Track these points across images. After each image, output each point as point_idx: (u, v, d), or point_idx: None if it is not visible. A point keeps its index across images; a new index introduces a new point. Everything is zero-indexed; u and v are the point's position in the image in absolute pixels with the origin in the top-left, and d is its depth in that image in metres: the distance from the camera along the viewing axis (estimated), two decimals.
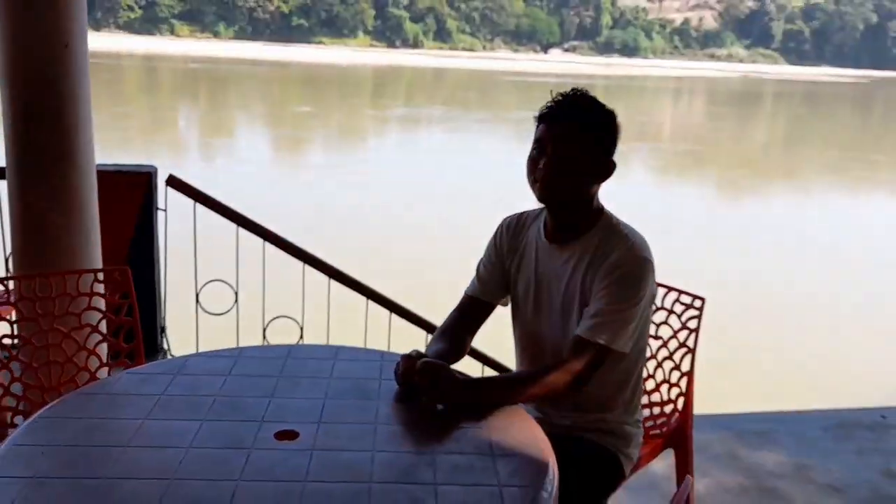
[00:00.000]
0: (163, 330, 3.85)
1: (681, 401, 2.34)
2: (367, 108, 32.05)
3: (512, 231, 2.01)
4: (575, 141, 1.78)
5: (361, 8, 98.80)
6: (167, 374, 1.75)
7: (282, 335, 3.64)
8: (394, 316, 3.76)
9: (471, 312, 2.01)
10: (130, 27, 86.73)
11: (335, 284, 3.63)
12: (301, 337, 3.72)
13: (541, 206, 1.92)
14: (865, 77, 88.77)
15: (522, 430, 1.57)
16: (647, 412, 2.31)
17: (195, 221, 3.54)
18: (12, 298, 2.17)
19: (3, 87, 2.55)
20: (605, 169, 1.84)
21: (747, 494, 2.90)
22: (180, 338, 3.88)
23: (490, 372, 3.70)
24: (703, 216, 13.73)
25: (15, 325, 2.13)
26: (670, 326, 2.36)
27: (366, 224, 11.08)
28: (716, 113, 40.10)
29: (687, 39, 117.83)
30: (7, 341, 2.10)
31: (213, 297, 3.64)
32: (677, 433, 2.30)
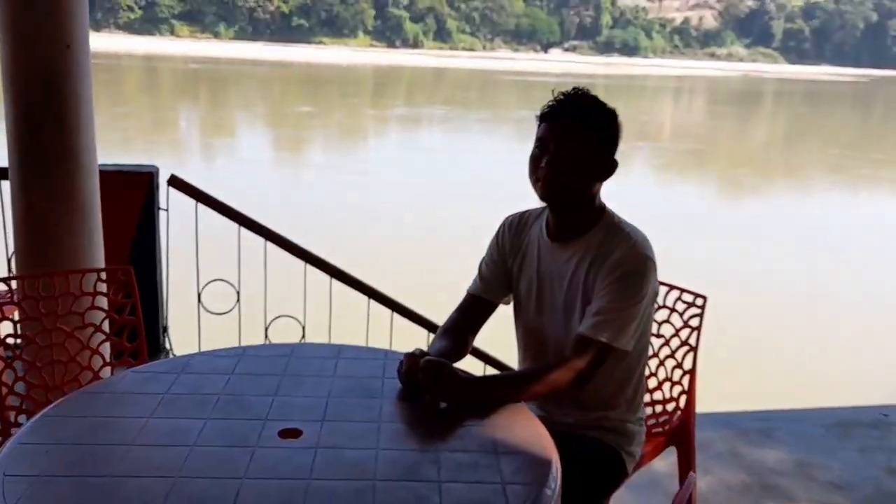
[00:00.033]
0: (165, 329, 3.85)
1: (683, 399, 2.35)
2: (367, 107, 32.05)
3: (514, 230, 2.01)
4: (577, 140, 1.79)
5: (361, 8, 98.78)
6: (171, 373, 1.76)
7: (283, 335, 3.64)
8: (395, 315, 3.77)
9: (473, 311, 2.01)
10: (130, 27, 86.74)
11: (336, 284, 3.64)
12: (303, 336, 3.72)
13: (543, 204, 1.92)
14: (865, 76, 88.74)
15: (526, 428, 1.58)
16: (649, 410, 2.31)
17: (197, 221, 3.54)
18: (16, 298, 2.17)
19: (5, 88, 2.55)
20: (607, 168, 1.84)
21: (749, 492, 2.91)
22: (181, 338, 3.89)
23: (492, 371, 3.70)
24: (704, 215, 13.73)
25: (19, 325, 2.13)
26: (672, 325, 2.37)
27: (367, 223, 11.08)
28: (716, 112, 40.09)
29: (687, 39, 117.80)
30: (11, 340, 2.10)
31: (214, 297, 3.64)
32: (679, 431, 2.31)
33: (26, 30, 2.50)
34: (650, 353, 2.19)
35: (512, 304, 2.04)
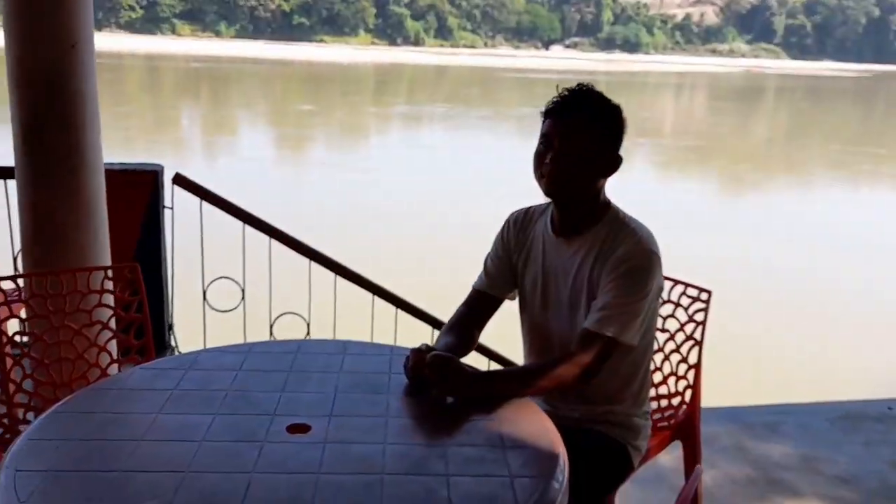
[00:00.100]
0: (170, 327, 3.86)
1: (688, 393, 2.35)
2: (368, 105, 32.05)
3: (519, 225, 2.02)
4: (581, 136, 1.79)
5: (362, 6, 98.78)
6: (179, 370, 1.77)
7: (288, 332, 3.65)
8: (400, 312, 3.77)
9: (478, 306, 2.02)
10: (132, 27, 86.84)
11: (341, 281, 3.64)
12: (308, 333, 3.73)
13: (548, 200, 1.93)
14: (868, 71, 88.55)
15: (533, 423, 1.58)
16: (654, 404, 2.32)
17: (202, 219, 3.55)
18: (23, 296, 2.18)
19: (11, 87, 2.56)
20: (612, 163, 1.85)
21: (755, 486, 2.91)
22: (186, 335, 3.90)
23: (496, 366, 3.70)
24: (705, 211, 13.72)
25: (26, 323, 2.14)
26: (677, 319, 2.37)
27: (368, 221, 11.09)
28: (718, 108, 40.04)
29: (688, 35, 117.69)
30: (19, 338, 2.11)
31: (219, 295, 3.65)
32: (685, 425, 2.31)
33: (31, 29, 2.51)
34: (655, 347, 2.20)
35: (517, 299, 2.05)
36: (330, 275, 3.62)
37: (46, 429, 1.50)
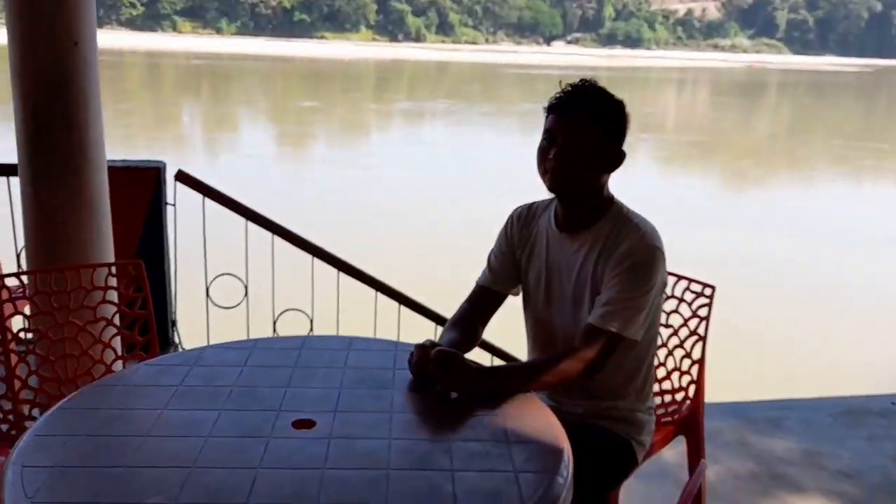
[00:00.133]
0: (173, 324, 3.87)
1: (692, 388, 2.35)
2: (369, 102, 32.04)
3: (522, 221, 2.02)
4: (585, 131, 1.79)
5: (363, 2, 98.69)
6: (184, 366, 1.77)
7: (291, 328, 3.66)
8: (403, 308, 3.78)
9: (482, 302, 2.02)
10: (132, 24, 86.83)
11: (343, 278, 3.65)
12: (311, 329, 3.74)
13: (551, 196, 1.93)
14: (870, 66, 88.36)
15: (537, 418, 1.58)
16: (658, 400, 2.32)
17: (204, 216, 3.55)
18: (28, 293, 2.18)
19: (13, 85, 2.56)
20: (615, 158, 1.85)
21: (758, 481, 2.91)
22: (189, 332, 3.91)
23: (499, 362, 3.71)
24: (707, 206, 13.71)
25: (31, 319, 2.15)
26: (681, 315, 2.37)
27: (369, 218, 11.09)
28: (720, 103, 39.98)
29: (690, 30, 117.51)
30: (23, 335, 2.12)
31: (221, 291, 3.65)
32: (689, 420, 2.31)
33: (34, 28, 2.51)
34: (659, 342, 2.20)
35: (521, 295, 2.05)
36: (332, 271, 3.62)
37: (52, 425, 1.50)
